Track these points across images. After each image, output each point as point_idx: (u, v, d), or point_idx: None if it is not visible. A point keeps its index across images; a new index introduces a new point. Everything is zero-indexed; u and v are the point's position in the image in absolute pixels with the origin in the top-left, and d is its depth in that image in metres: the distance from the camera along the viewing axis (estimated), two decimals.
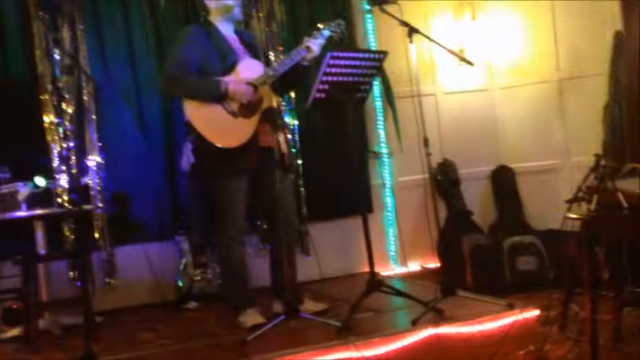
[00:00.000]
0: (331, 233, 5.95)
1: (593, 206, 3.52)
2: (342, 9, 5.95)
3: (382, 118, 6.16)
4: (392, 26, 4.53)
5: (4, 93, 5.15)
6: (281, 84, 4.28)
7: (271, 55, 5.56)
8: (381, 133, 6.17)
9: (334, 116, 5.60)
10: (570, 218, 3.75)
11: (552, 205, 5.68)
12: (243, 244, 4.40)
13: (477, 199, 6.25)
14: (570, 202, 3.88)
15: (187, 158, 4.43)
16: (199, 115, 4.14)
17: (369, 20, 6.11)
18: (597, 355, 3.47)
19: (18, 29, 5.21)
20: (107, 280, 5.36)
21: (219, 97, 4.11)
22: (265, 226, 5.39)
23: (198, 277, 5.29)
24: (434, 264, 5.97)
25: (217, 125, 4.13)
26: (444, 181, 6.08)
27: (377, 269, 4.37)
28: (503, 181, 6.19)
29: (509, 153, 6.29)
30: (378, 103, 6.15)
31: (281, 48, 5.74)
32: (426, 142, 4.33)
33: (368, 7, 6.06)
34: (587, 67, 5.95)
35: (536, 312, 4.07)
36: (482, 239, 5.68)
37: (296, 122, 5.79)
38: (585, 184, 3.84)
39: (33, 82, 5.20)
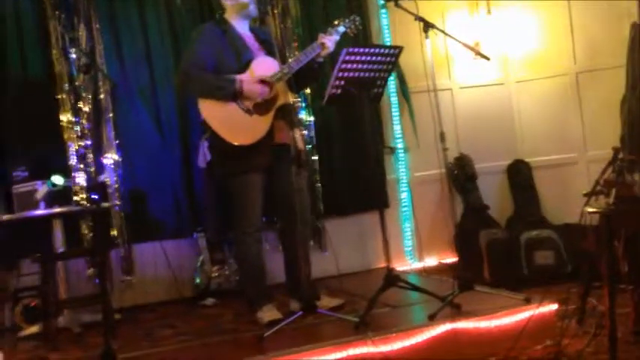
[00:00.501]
0: (347, 229, 5.95)
1: (611, 200, 3.49)
2: (357, 5, 5.95)
3: (398, 114, 6.15)
4: (407, 21, 4.51)
5: (21, 93, 5.19)
6: (296, 81, 4.27)
7: (286, 52, 5.57)
8: (397, 128, 6.17)
9: (350, 112, 5.63)
10: (589, 212, 3.72)
11: (569, 199, 5.67)
12: (260, 241, 4.40)
13: (494, 193, 6.22)
14: (588, 195, 3.84)
15: (204, 156, 4.45)
16: (214, 113, 4.15)
17: (383, 15, 6.11)
18: (616, 348, 3.45)
19: (35, 29, 5.25)
20: (125, 277, 5.38)
21: (234, 95, 4.11)
22: (281, 223, 5.39)
23: (216, 274, 5.31)
24: (451, 259, 5.97)
25: (232, 123, 4.13)
26: (461, 175, 6.05)
27: (393, 264, 4.37)
28: (520, 175, 6.16)
29: (526, 147, 6.26)
30: (394, 99, 6.14)
31: (296, 44, 5.74)
32: (442, 137, 4.31)
33: (383, 2, 6.05)
34: (604, 60, 5.90)
35: (554, 306, 4.05)
36: (499, 234, 5.65)
37: (312, 118, 5.79)
38: (603, 177, 3.81)
39: (50, 81, 5.23)
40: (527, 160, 6.19)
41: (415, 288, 4.33)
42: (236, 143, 4.12)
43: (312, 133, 5.79)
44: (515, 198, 6.14)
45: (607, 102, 5.80)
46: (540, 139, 6.23)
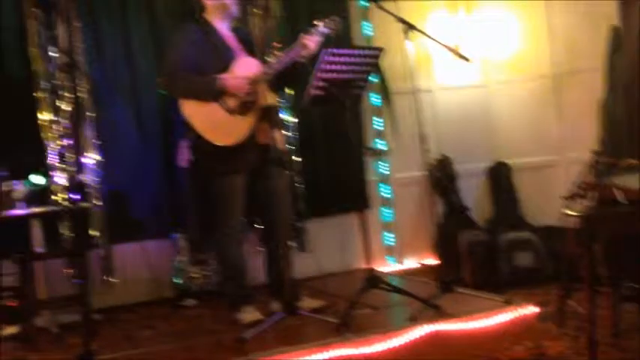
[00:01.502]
0: (328, 229, 5.93)
1: (591, 202, 3.51)
2: (340, 6, 5.92)
3: (379, 115, 6.15)
4: (389, 23, 4.51)
5: (1, 91, 5.13)
6: (278, 81, 4.26)
7: (267, 53, 5.54)
8: (378, 129, 6.15)
9: (331, 113, 5.60)
10: (569, 215, 3.74)
11: (549, 201, 5.68)
12: (241, 242, 4.39)
13: (474, 195, 6.24)
14: (568, 198, 3.86)
15: (184, 155, 4.42)
16: (196, 113, 4.13)
17: (366, 16, 6.09)
18: (596, 350, 3.47)
19: (13, 27, 5.18)
20: (105, 277, 5.34)
21: (216, 94, 4.09)
22: (261, 224, 5.37)
23: (197, 275, 5.27)
24: (431, 260, 5.97)
25: (214, 123, 4.12)
26: (441, 177, 6.06)
27: (374, 266, 4.36)
28: (500, 176, 6.18)
29: (506, 149, 6.28)
30: (375, 100, 6.13)
31: (278, 45, 5.72)
32: (423, 138, 4.32)
33: (365, 3, 6.04)
34: (583, 62, 5.93)
35: (535, 308, 4.06)
36: (480, 235, 5.67)
37: (293, 119, 5.77)
38: (582, 180, 3.83)
39: (29, 79, 5.17)
40: (507, 161, 6.21)
41: (396, 290, 4.33)
42: (217, 143, 4.10)
43: (294, 134, 5.78)
44: (496, 199, 6.16)
45: (586, 104, 5.83)
46: (520, 141, 6.26)
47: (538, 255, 5.43)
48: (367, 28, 6.10)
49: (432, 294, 4.14)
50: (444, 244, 5.45)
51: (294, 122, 5.79)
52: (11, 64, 5.18)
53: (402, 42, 4.41)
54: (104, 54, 5.40)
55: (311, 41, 4.14)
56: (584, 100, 5.88)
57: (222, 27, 4.32)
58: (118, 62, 5.43)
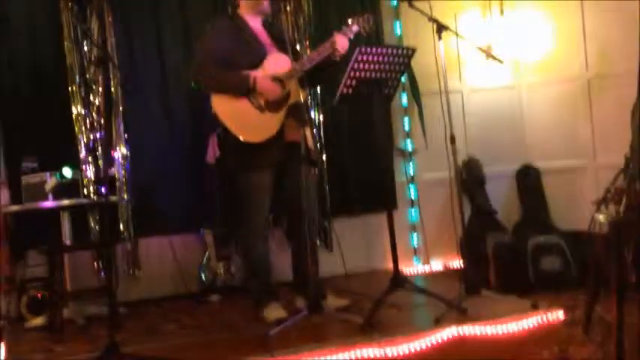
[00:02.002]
0: (355, 229, 5.94)
1: (621, 208, 3.47)
2: (371, 4, 5.92)
3: (408, 115, 6.13)
4: (420, 22, 4.49)
5: (33, 84, 5.19)
6: (309, 78, 4.26)
7: (298, 50, 5.55)
8: (407, 129, 6.14)
9: (360, 112, 5.62)
10: (598, 220, 3.70)
11: (578, 206, 5.64)
12: (267, 238, 4.40)
13: (502, 197, 6.18)
14: (598, 203, 3.82)
15: (213, 151, 4.44)
16: (226, 108, 4.14)
17: (397, 15, 6.07)
18: (622, 358, 3.43)
19: (47, 21, 5.25)
20: (131, 271, 5.38)
21: (247, 91, 4.10)
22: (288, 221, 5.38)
23: (221, 270, 5.30)
24: (457, 262, 5.95)
25: (243, 119, 4.13)
26: (469, 179, 6.02)
27: (400, 266, 4.34)
28: (529, 179, 6.11)
29: (535, 151, 6.21)
30: (404, 100, 6.12)
31: (308, 42, 5.73)
32: (452, 139, 4.30)
33: (396, 2, 6.02)
34: (617, 66, 5.85)
35: (561, 313, 4.03)
36: (506, 238, 5.62)
37: (321, 117, 5.78)
38: (613, 185, 3.79)
39: (62, 73, 5.23)
40: (536, 164, 6.15)
41: (422, 291, 4.32)
42: (246, 139, 4.11)
43: (322, 132, 5.78)
44: (524, 203, 6.10)
45: (618, 108, 5.73)
46: (550, 144, 6.19)
47: (565, 260, 5.37)
48: (398, 27, 6.09)
49: (458, 296, 4.12)
50: (470, 246, 5.40)
51: (323, 120, 5.79)
52: (45, 57, 5.26)
53: (432, 42, 4.39)
54: (135, 48, 5.46)
55: (343, 39, 4.15)
56: (616, 103, 5.79)
57: (255, 23, 4.33)
58: (149, 56, 5.49)
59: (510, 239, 5.62)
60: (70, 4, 5.24)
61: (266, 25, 4.42)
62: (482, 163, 6.12)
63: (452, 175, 4.57)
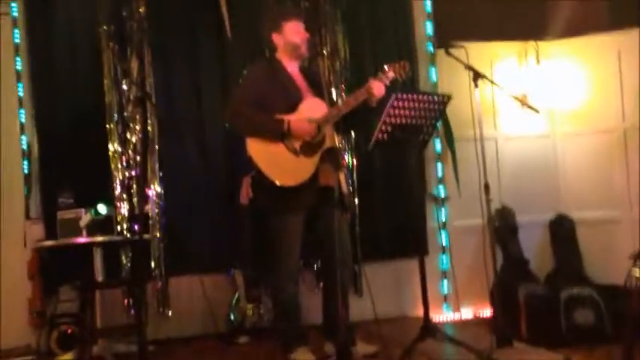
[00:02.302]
0: (385, 273, 5.90)
1: None
2: (407, 50, 5.97)
3: (441, 161, 6.13)
4: (455, 68, 4.52)
5: (73, 120, 5.29)
6: (343, 123, 4.28)
7: (334, 94, 5.61)
8: (440, 175, 6.13)
9: (393, 156, 5.63)
10: (634, 274, 3.65)
11: (612, 258, 5.56)
12: (297, 281, 4.39)
13: (535, 247, 6.12)
14: (634, 257, 3.77)
15: (246, 192, 4.46)
16: (261, 151, 4.17)
17: (433, 61, 6.11)
18: None
19: (88, 59, 5.37)
20: (161, 309, 5.40)
21: (281, 135, 4.13)
22: (319, 265, 5.38)
23: (251, 312, 5.29)
24: (487, 311, 5.88)
25: (278, 163, 4.15)
26: (502, 227, 5.96)
27: (430, 313, 4.31)
28: (562, 230, 6.05)
29: (570, 202, 6.17)
30: (438, 146, 6.12)
31: (343, 86, 5.77)
32: (487, 188, 4.29)
33: (432, 49, 6.06)
34: None
35: None
36: (539, 289, 5.54)
37: (355, 161, 5.80)
38: None
39: (100, 111, 5.32)
40: (570, 215, 6.10)
41: (452, 341, 4.27)
42: (280, 183, 4.13)
43: (355, 176, 5.79)
44: (557, 253, 6.03)
45: None
46: (584, 195, 6.14)
47: (599, 313, 5.27)
48: (433, 73, 6.12)
49: (489, 347, 4.06)
50: (501, 295, 5.33)
51: (356, 164, 5.81)
52: (85, 95, 5.36)
53: (468, 88, 4.41)
54: (173, 88, 5.54)
55: (379, 86, 4.16)
56: None
57: (292, 67, 4.37)
58: (186, 97, 5.57)
59: (543, 290, 5.54)
60: (111, 44, 5.36)
61: (303, 69, 4.47)
62: (515, 212, 6.07)
63: (485, 224, 4.55)
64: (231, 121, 4.33)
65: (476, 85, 4.32)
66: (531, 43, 6.24)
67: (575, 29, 6.14)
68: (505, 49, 6.26)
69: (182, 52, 5.59)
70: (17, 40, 5.32)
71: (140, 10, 5.44)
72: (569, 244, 6.00)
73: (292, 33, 4.30)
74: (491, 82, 4.40)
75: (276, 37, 4.34)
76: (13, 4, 5.31)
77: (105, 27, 5.37)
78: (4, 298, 5.13)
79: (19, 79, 5.33)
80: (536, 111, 4.47)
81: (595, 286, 5.49)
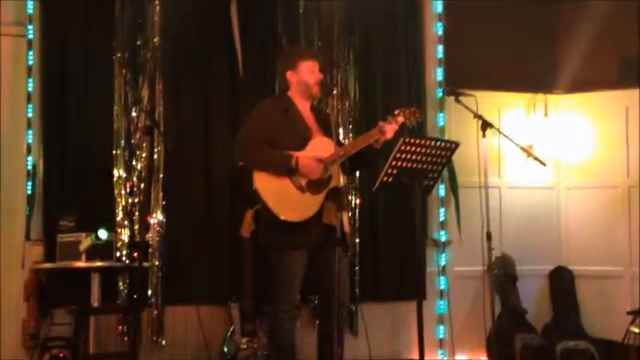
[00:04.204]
0: (382, 315, 5.88)
1: None
2: (417, 94, 6.03)
3: (444, 206, 6.15)
4: (464, 114, 4.56)
5: (80, 145, 5.33)
6: (350, 163, 4.31)
7: (341, 134, 5.65)
8: (441, 220, 6.15)
9: (396, 199, 5.66)
10: (632, 332, 3.65)
11: (611, 313, 5.57)
12: (295, 318, 4.38)
13: (533, 297, 6.13)
14: (633, 314, 3.79)
15: (248, 225, 4.48)
16: (267, 185, 4.19)
17: (441, 107, 6.17)
18: None
19: (100, 85, 5.41)
20: (154, 338, 5.38)
21: (289, 170, 4.16)
22: (317, 302, 5.37)
23: (245, 346, 5.27)
24: (482, 358, 5.86)
25: (284, 198, 4.17)
26: (501, 275, 5.98)
27: (425, 357, 4.30)
28: (562, 282, 6.07)
29: (570, 254, 6.19)
30: (442, 190, 6.14)
31: (351, 127, 5.82)
32: (489, 236, 4.30)
33: (441, 95, 6.12)
34: None
35: None
36: (535, 340, 5.55)
37: (358, 201, 5.82)
38: None
39: (108, 136, 5.37)
40: (570, 267, 6.11)
41: None
42: (284, 218, 4.14)
43: (357, 216, 5.82)
44: (555, 305, 6.04)
45: None
46: (586, 249, 6.16)
47: None
48: (441, 119, 6.17)
49: None
50: (498, 344, 5.35)
51: (359, 203, 5.84)
52: (94, 120, 5.39)
53: (474, 135, 4.44)
54: (182, 119, 5.58)
55: (389, 129, 4.20)
56: None
57: (303, 105, 4.40)
58: (194, 128, 5.60)
59: (539, 341, 5.55)
60: (123, 71, 5.41)
61: (313, 108, 4.51)
62: (515, 261, 6.09)
63: (485, 271, 4.56)
64: (240, 154, 4.34)
65: (484, 135, 4.36)
66: (540, 96, 6.31)
67: (584, 85, 6.23)
68: (514, 100, 6.34)
69: (193, 83, 5.63)
70: (31, 62, 5.36)
71: (155, 39, 5.49)
72: (567, 297, 6.01)
73: (307, 73, 4.35)
74: (499, 131, 4.44)
75: (290, 75, 4.39)
76: (30, 27, 5.36)
77: (119, 54, 5.42)
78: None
79: (29, 99, 5.36)
80: (543, 163, 4.50)
81: (592, 340, 5.50)
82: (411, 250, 5.23)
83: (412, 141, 4.12)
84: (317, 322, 4.89)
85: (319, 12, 5.87)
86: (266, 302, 4.78)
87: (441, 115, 6.16)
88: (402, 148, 4.10)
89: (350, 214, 5.69)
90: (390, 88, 6.02)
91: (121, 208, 5.34)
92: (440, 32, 6.23)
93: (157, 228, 5.40)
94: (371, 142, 4.22)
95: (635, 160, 6.06)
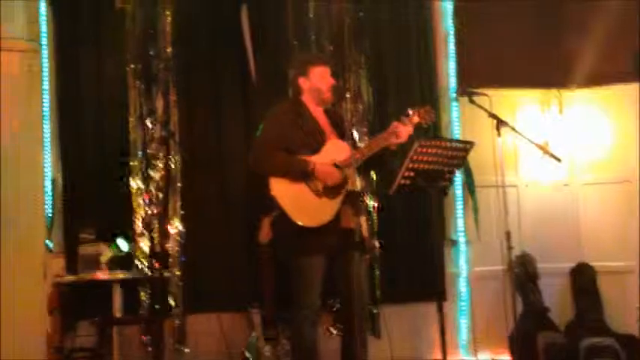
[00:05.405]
0: (403, 317, 5.89)
1: None
2: (430, 95, 6.05)
3: (462, 206, 6.16)
4: (477, 113, 4.57)
5: (97, 157, 5.39)
6: (365, 166, 4.34)
7: (356, 136, 5.67)
8: (460, 221, 6.16)
9: (413, 201, 5.68)
10: None
11: (630, 309, 5.55)
12: (316, 323, 4.40)
13: (555, 295, 6.11)
14: None
15: (266, 232, 4.51)
16: (284, 191, 4.21)
17: (455, 108, 6.18)
18: None
19: (115, 97, 5.48)
20: (177, 346, 5.43)
21: (305, 175, 4.19)
22: (338, 307, 5.39)
23: (267, 353, 5.30)
24: (505, 357, 5.86)
25: (300, 203, 4.19)
26: (522, 274, 5.96)
27: (447, 358, 4.31)
28: (584, 279, 6.03)
29: (591, 250, 6.16)
30: (458, 191, 6.15)
31: (365, 130, 5.85)
32: (508, 236, 4.31)
33: (455, 95, 6.14)
34: None
35: None
36: (558, 338, 5.54)
37: (375, 203, 5.85)
38: None
39: (124, 147, 5.43)
40: (592, 263, 6.09)
41: None
42: (302, 223, 4.17)
43: (375, 219, 5.84)
44: (577, 302, 6.01)
45: None
46: (606, 244, 6.12)
47: None
48: (455, 119, 6.18)
49: None
50: (520, 343, 5.34)
51: (376, 206, 5.87)
52: (110, 132, 5.45)
53: (489, 134, 4.46)
54: (196, 128, 5.63)
55: (403, 130, 4.22)
56: None
57: (316, 110, 4.44)
58: (209, 136, 5.65)
59: (562, 339, 5.53)
60: (137, 82, 5.47)
61: (327, 111, 4.53)
62: (536, 259, 6.08)
63: (505, 270, 4.56)
64: (255, 160, 4.37)
65: (499, 134, 4.37)
66: (554, 92, 6.31)
67: (599, 79, 6.21)
68: (528, 97, 6.32)
69: (207, 92, 5.69)
70: (46, 78, 5.41)
71: (167, 49, 5.55)
72: (590, 293, 5.98)
73: (318, 78, 4.38)
74: (515, 130, 4.45)
75: (302, 81, 4.42)
76: (43, 42, 5.42)
77: (132, 65, 5.48)
78: (22, 332, 5.16)
79: (44, 115, 5.42)
80: (559, 160, 4.51)
81: (616, 335, 5.48)
82: (430, 252, 5.24)
83: (428, 143, 4.15)
84: (339, 326, 4.92)
85: (330, 16, 5.91)
86: (287, 308, 4.82)
87: (455, 114, 6.18)
88: (418, 150, 4.13)
89: (368, 217, 5.70)
90: (402, 89, 6.04)
91: (139, 218, 5.39)
92: (451, 31, 6.26)
93: (177, 237, 5.45)
94: (386, 144, 4.25)
95: None
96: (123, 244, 4.92)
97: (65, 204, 5.37)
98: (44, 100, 5.40)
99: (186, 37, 5.65)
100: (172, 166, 5.46)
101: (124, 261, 5.01)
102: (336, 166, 4.22)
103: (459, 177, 5.98)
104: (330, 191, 4.22)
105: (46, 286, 5.14)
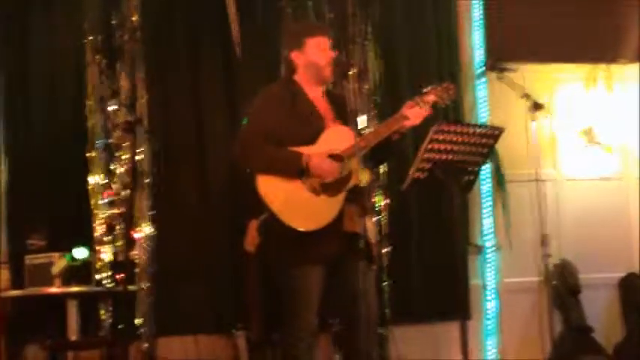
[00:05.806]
0: (419, 339, 5.90)
1: None
2: (449, 71, 6.00)
3: (489, 205, 6.11)
4: (508, 94, 4.53)
5: (48, 148, 5.34)
6: (372, 156, 4.28)
7: (362, 120, 5.62)
8: (487, 222, 6.12)
9: (432, 198, 5.64)
10: None
11: None
12: (313, 347, 4.35)
13: (601, 311, 6.13)
14: None
15: (252, 238, 4.46)
16: (274, 190, 4.14)
17: (481, 86, 6.13)
18: None
19: (70, 74, 5.43)
20: None
21: (298, 172, 4.13)
22: (339, 327, 5.35)
23: None
24: None
25: (294, 203, 4.13)
26: (561, 287, 5.96)
27: None
28: (635, 292, 6.04)
29: None
30: (485, 187, 6.11)
31: (373, 112, 5.80)
32: (544, 240, 4.28)
33: (482, 70, 6.07)
34: None
35: None
36: None
37: (384, 202, 5.80)
38: None
39: (81, 136, 5.38)
40: None
41: None
42: (296, 227, 4.11)
43: (384, 221, 5.79)
44: (627, 320, 6.03)
45: None
46: None
47: None
48: (481, 100, 6.12)
49: None
50: None
51: (386, 206, 5.82)
52: (64, 117, 5.41)
53: (523, 119, 4.42)
54: (170, 112, 5.59)
55: (416, 112, 4.16)
56: None
57: (314, 91, 4.36)
58: (185, 123, 5.62)
59: None
60: (97, 57, 5.41)
61: (327, 92, 4.47)
62: (577, 269, 6.06)
63: (541, 282, 4.54)
64: (241, 156, 4.31)
65: (533, 118, 4.33)
66: (601, 67, 6.26)
67: None
68: (569, 73, 6.28)
69: (181, 69, 5.66)
70: None
71: (133, 18, 5.49)
72: None
73: (316, 51, 4.29)
74: (552, 113, 4.40)
75: (296, 56, 4.33)
76: None
77: (91, 37, 5.43)
78: None
79: None
80: (607, 149, 4.46)
81: None
82: (451, 260, 5.20)
83: (447, 128, 4.09)
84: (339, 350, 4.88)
85: None
86: (277, 329, 4.78)
87: (481, 95, 6.12)
88: (435, 137, 4.07)
89: (376, 218, 5.66)
90: (417, 65, 6.02)
91: (99, 221, 5.34)
92: None
93: (144, 244, 5.39)
94: (397, 129, 4.18)
95: None
96: (79, 253, 4.87)
97: (10, 204, 5.32)
98: None
99: (156, 2, 5.59)
100: (139, 157, 5.39)
101: (80, 272, 4.95)
102: (335, 157, 4.15)
103: (485, 170, 5.95)
104: (329, 187, 4.15)
105: None
